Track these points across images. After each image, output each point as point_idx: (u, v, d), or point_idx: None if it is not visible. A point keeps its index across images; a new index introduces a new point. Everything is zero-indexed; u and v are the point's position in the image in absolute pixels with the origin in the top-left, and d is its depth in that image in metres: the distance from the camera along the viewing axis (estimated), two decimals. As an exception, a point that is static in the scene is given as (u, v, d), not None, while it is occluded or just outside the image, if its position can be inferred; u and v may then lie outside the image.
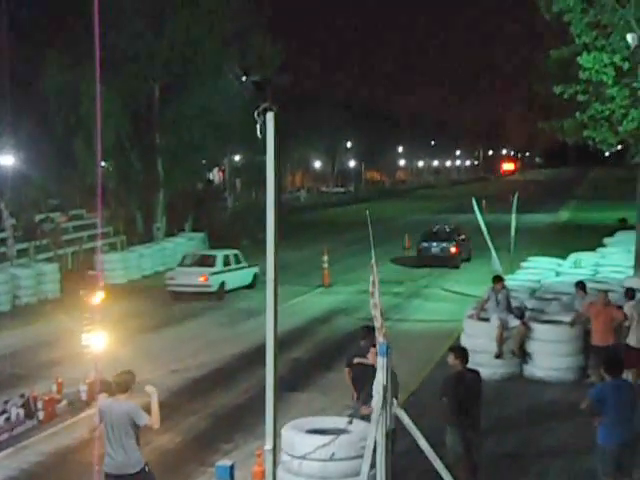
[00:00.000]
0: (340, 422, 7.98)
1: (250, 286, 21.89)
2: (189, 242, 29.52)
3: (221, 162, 45.89)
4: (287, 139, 49.27)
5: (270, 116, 5.69)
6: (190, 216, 32.70)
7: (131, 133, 28.23)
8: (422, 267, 26.11)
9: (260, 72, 6.00)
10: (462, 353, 8.30)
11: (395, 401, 7.03)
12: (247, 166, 39.81)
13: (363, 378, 8.33)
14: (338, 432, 7.65)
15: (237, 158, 46.14)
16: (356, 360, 8.92)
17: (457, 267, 26.20)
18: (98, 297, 10.46)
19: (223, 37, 28.04)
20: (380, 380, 6.92)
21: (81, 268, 21.79)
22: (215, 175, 54.14)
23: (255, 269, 21.89)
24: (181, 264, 22.02)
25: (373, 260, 7.06)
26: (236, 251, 22.47)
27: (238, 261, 22.00)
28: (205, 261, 21.68)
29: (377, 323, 7.01)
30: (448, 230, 28.12)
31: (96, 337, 10.31)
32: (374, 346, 7.49)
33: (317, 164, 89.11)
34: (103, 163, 29.08)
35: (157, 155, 29.64)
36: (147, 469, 6.99)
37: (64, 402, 11.41)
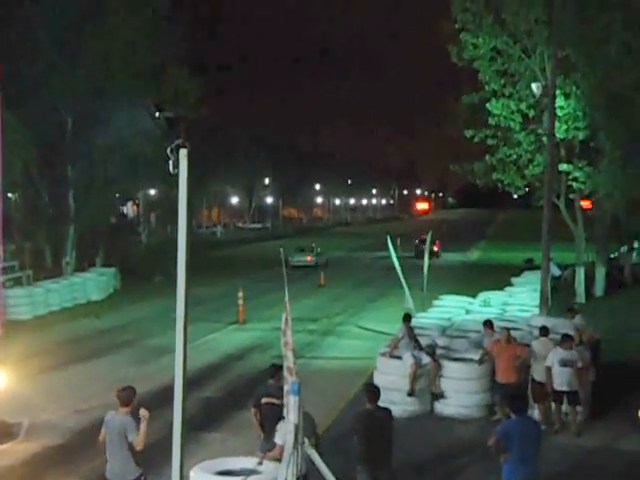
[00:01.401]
0: (250, 463, 7.84)
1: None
2: (100, 277, 28.73)
3: (135, 196, 45.14)
4: (204, 174, 48.98)
5: (183, 153, 5.63)
6: (101, 251, 31.89)
7: (41, 164, 27.45)
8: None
9: (176, 107, 5.97)
10: (373, 391, 8.32)
11: (307, 441, 6.97)
12: (162, 200, 39.26)
13: (271, 418, 8.23)
14: (248, 473, 7.51)
15: (152, 192, 45.51)
16: (264, 400, 8.81)
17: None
18: (-3, 334, 10.04)
19: (140, 70, 27.75)
20: (292, 420, 6.86)
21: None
22: (129, 209, 53.12)
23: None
24: (296, 251, 41.95)
25: (286, 298, 7.05)
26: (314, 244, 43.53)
27: (318, 253, 42.74)
28: (308, 249, 42.74)
29: (288, 362, 6.97)
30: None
31: (-4, 376, 9.84)
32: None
33: (234, 200, 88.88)
34: (10, 194, 28.09)
35: (68, 187, 28.89)
36: (143, 479, 7.61)
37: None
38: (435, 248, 42.17)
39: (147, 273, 31.92)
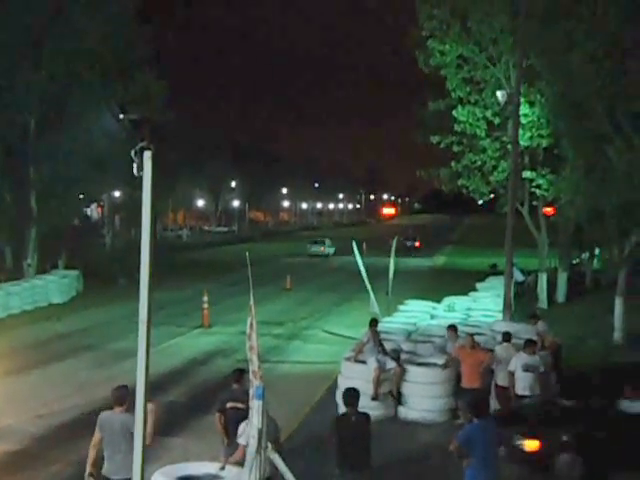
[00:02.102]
0: (213, 468, 7.79)
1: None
2: (62, 280, 28.29)
3: (100, 198, 44.63)
4: (169, 176, 48.61)
5: (147, 155, 5.57)
6: (64, 253, 31.43)
7: (3, 165, 26.99)
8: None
9: (142, 109, 5.91)
10: (352, 395, 8.30)
11: (270, 445, 6.95)
12: (127, 202, 38.87)
13: (236, 422, 8.19)
14: (210, 478, 7.46)
15: (117, 194, 45.04)
16: (229, 404, 8.77)
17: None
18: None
19: (105, 71, 27.45)
20: (255, 424, 6.83)
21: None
22: (93, 211, 52.50)
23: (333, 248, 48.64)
24: (310, 243, 53.03)
25: (251, 302, 7.02)
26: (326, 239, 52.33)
27: (331, 245, 52.52)
28: (321, 241, 53.13)
29: (253, 365, 6.95)
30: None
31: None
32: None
33: (200, 203, 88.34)
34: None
35: (30, 189, 28.43)
36: None
37: None
38: (416, 244, 57.81)
39: (111, 276, 31.54)
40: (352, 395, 8.28)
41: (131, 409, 7.28)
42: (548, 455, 9.51)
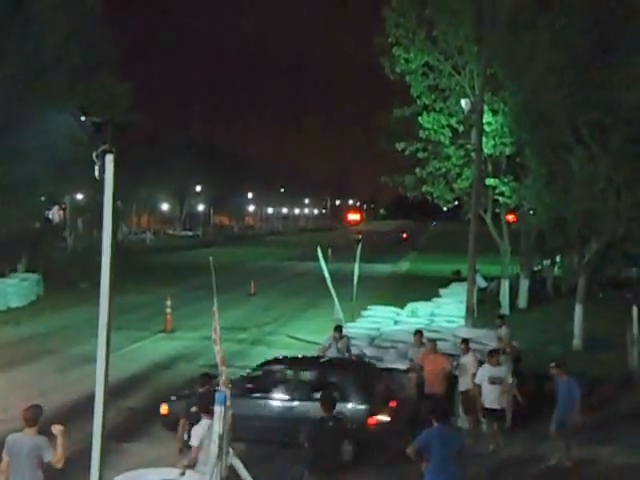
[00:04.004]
0: (172, 474, 7.74)
1: None
2: (21, 283, 27.85)
3: (62, 200, 43.97)
4: (133, 180, 48.16)
5: (109, 158, 5.53)
6: (24, 256, 30.90)
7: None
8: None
9: (105, 112, 5.86)
10: (328, 400, 8.30)
11: (231, 451, 6.93)
12: (89, 205, 38.36)
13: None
14: (170, 485, 7.41)
15: (80, 196, 44.47)
16: (194, 409, 8.72)
17: None
18: None
19: (69, 72, 27.06)
20: (216, 430, 6.80)
21: None
22: (55, 213, 51.68)
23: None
24: None
25: (215, 307, 7.00)
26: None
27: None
28: None
29: (222, 374, 6.96)
30: None
31: None
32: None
33: (165, 206, 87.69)
34: None
35: (-12, 190, 27.84)
36: None
37: None
38: (404, 236, 78.12)
39: (72, 279, 31.10)
40: (330, 400, 8.29)
41: (43, 430, 7.05)
42: None
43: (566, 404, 10.65)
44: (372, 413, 10.77)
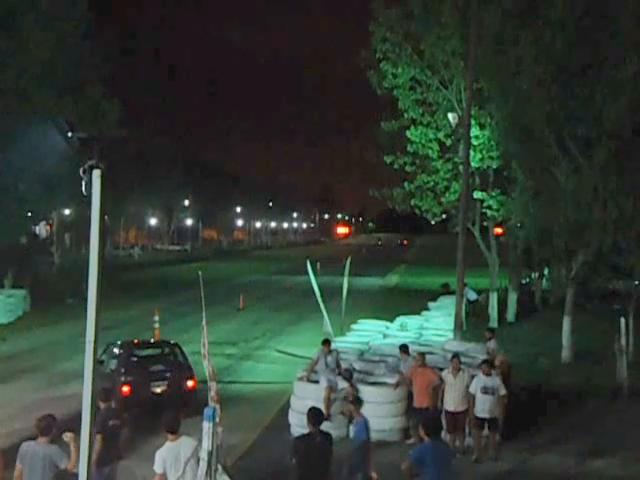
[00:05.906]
0: None
1: None
2: (8, 299, 27.65)
3: (49, 215, 43.76)
4: (121, 195, 48.01)
5: (96, 174, 5.50)
6: (11, 271, 30.69)
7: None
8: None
9: (92, 127, 5.85)
10: (315, 415, 8.21)
11: (220, 468, 6.87)
12: (77, 221, 38.21)
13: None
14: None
15: (67, 212, 44.26)
16: (111, 422, 9.02)
17: None
18: None
19: (56, 87, 26.98)
20: (205, 447, 6.75)
21: None
22: (42, 229, 51.44)
23: None
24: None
25: (204, 322, 6.97)
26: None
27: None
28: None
29: (211, 391, 6.93)
30: None
31: None
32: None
33: (153, 221, 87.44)
34: None
35: (-26, 206, 27.65)
36: None
37: None
38: (404, 242, 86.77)
39: (59, 295, 30.91)
40: (317, 415, 8.22)
41: (56, 440, 7.30)
42: None
43: None
44: None
